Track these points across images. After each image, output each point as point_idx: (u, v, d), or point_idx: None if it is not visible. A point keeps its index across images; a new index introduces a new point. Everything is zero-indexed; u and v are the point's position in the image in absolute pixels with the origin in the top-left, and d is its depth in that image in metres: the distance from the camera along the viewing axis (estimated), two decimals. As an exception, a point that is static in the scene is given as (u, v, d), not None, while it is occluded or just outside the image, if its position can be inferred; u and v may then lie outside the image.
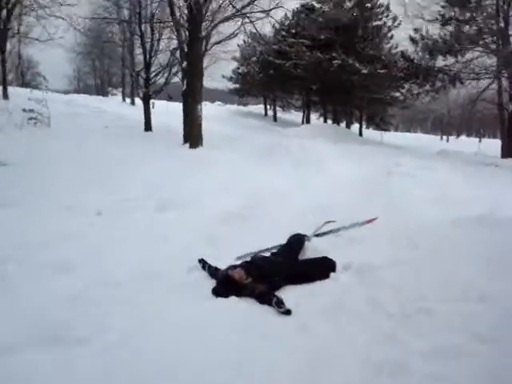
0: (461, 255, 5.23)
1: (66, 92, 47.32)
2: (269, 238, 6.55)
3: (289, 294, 4.88)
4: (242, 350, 3.75)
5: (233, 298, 4.70)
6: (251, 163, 12.53)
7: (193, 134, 15.97)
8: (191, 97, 16.27)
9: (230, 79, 44.30)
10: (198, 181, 10.03)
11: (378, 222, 6.67)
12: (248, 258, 5.78)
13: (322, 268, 5.38)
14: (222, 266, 5.47)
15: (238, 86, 44.97)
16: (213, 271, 5.43)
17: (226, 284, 4.91)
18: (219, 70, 34.72)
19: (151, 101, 30.81)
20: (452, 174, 10.87)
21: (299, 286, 5.14)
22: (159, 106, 36.54)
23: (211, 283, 5.11)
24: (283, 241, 6.16)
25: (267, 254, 5.88)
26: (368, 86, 30.70)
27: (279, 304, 4.49)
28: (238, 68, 43.43)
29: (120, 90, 48.53)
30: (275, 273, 5.09)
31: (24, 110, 21.70)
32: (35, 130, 19.34)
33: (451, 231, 6.17)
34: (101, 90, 56.88)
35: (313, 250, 5.91)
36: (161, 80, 22.42)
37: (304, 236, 6.18)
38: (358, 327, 4.07)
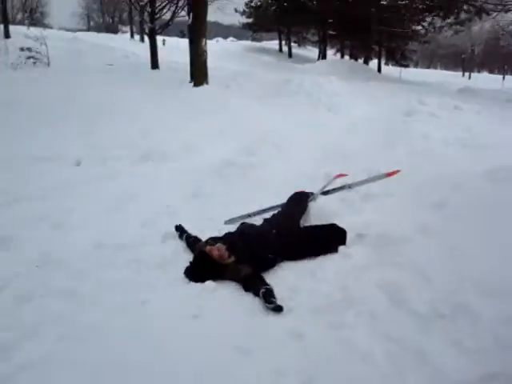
0: (504, 222, 4.01)
1: (75, 31, 45.60)
2: (268, 194, 5.45)
3: (284, 276, 3.78)
4: (212, 371, 2.69)
5: (209, 285, 3.59)
6: (258, 103, 11.25)
7: (197, 71, 14.67)
8: (195, 30, 14.90)
9: (243, 13, 41.97)
10: (194, 125, 8.81)
11: (400, 175, 5.40)
12: (238, 223, 4.66)
13: (329, 239, 4.19)
14: (205, 233, 4.38)
15: (251, 20, 42.73)
16: (191, 242, 4.32)
17: (202, 264, 3.78)
18: (232, 4, 32.90)
19: (162, 38, 29.50)
20: (478, 113, 9.47)
21: (298, 262, 4.00)
22: (170, 43, 35.08)
23: (188, 258, 4.00)
24: (285, 198, 5.02)
25: (260, 220, 4.71)
26: (388, 18, 28.65)
27: (268, 297, 3.36)
28: (251, 1, 41.11)
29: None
30: (266, 248, 3.93)
31: (21, 49, 20.54)
32: (32, 70, 18.21)
33: (487, 187, 4.87)
34: (111, 28, 54.92)
35: (318, 212, 4.76)
36: (167, 14, 20.98)
37: (308, 194, 5.01)
38: (372, 336, 2.93)
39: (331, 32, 37.20)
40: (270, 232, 4.21)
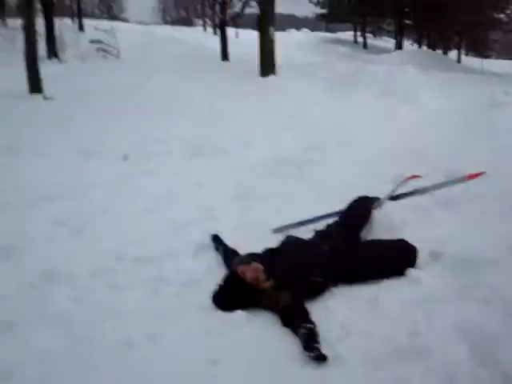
0: None
1: (151, 24, 46.16)
2: (328, 198, 4.65)
3: (335, 306, 2.99)
4: None
5: (238, 316, 2.86)
6: (327, 94, 10.48)
7: (264, 61, 14.15)
8: (263, 19, 14.34)
9: (317, 4, 40.91)
10: (255, 117, 8.17)
11: (483, 178, 4.47)
12: (288, 234, 3.90)
13: (395, 259, 3.37)
14: (248, 244, 3.65)
15: (325, 10, 41.57)
16: (228, 256, 3.61)
17: (232, 288, 3.06)
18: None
19: (235, 30, 29.26)
20: None
21: (355, 288, 3.19)
22: (244, 35, 34.74)
23: (221, 277, 3.27)
24: (347, 203, 4.20)
25: (311, 232, 3.91)
26: (468, 6, 26.92)
27: (309, 342, 2.58)
28: (326, -9, 40.07)
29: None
30: (315, 269, 3.16)
31: (91, 41, 20.69)
32: (100, 62, 18.25)
33: None
34: (185, 21, 55.11)
35: (384, 222, 3.94)
36: (239, 6, 20.76)
37: (373, 200, 4.17)
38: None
39: (408, 22, 35.64)
40: (320, 248, 3.43)
